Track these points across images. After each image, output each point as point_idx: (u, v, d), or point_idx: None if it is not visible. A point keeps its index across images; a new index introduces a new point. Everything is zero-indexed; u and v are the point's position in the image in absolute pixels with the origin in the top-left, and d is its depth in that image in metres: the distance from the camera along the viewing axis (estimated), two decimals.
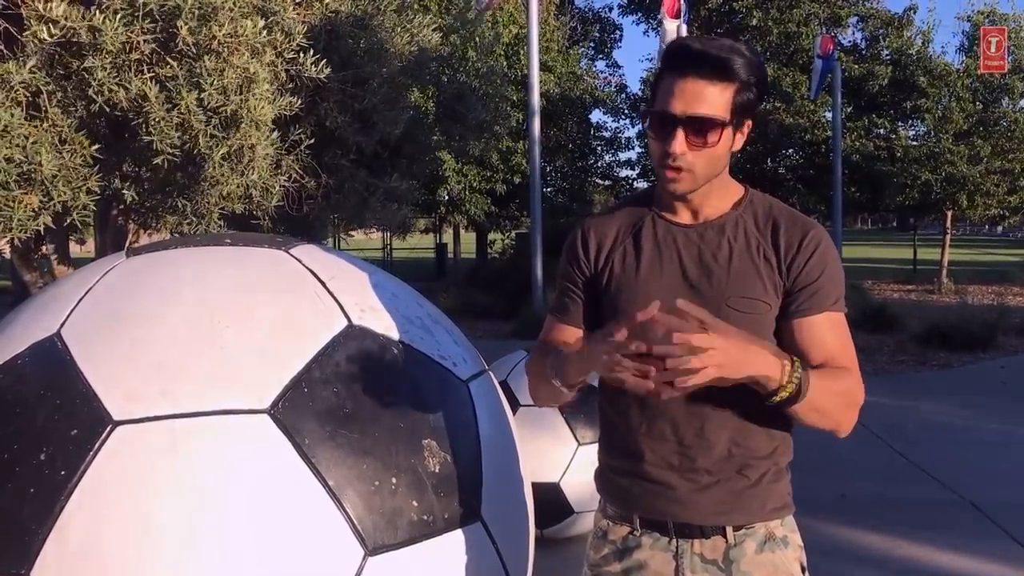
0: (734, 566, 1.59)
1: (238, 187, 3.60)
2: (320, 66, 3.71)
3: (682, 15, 12.10)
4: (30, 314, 1.93)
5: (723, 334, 1.36)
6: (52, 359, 1.74)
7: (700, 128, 1.49)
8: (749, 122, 1.57)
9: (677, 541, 1.62)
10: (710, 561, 1.60)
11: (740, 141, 1.57)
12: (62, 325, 1.80)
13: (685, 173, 1.52)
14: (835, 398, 1.51)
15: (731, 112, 1.50)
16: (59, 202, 3.28)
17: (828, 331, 1.57)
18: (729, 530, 1.60)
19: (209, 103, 3.30)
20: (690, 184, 1.54)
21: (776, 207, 1.63)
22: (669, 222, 1.63)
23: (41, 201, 3.26)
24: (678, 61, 1.51)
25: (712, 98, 1.48)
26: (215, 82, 3.27)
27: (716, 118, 1.49)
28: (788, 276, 1.56)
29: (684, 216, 1.63)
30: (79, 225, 3.58)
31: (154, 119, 3.26)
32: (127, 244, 4.57)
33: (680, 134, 1.49)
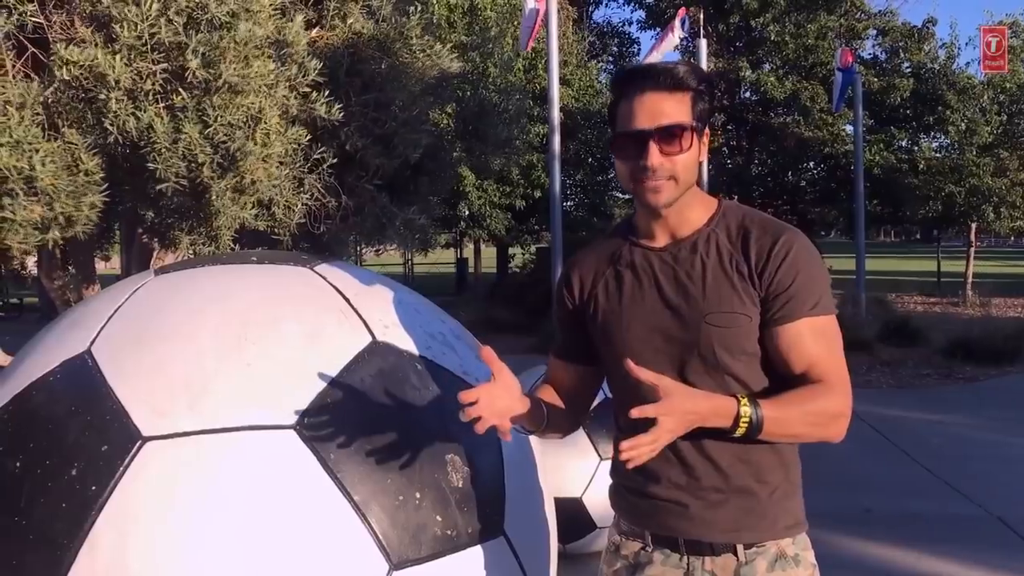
0: None
1: (235, 219, 3.64)
2: (335, 109, 3.77)
3: (678, 28, 12.18)
4: (61, 332, 1.97)
5: (672, 398, 1.43)
6: (83, 376, 1.78)
7: (670, 136, 1.53)
8: (708, 132, 1.63)
9: (688, 558, 1.62)
10: None
11: (704, 151, 1.61)
12: (92, 342, 1.84)
13: (665, 182, 1.55)
14: (803, 420, 1.52)
15: (693, 118, 1.56)
16: (61, 214, 3.33)
17: (808, 338, 1.55)
18: (740, 548, 1.59)
19: (215, 137, 3.35)
20: (672, 192, 1.56)
21: (748, 217, 1.63)
22: (645, 248, 1.65)
23: (43, 214, 3.32)
24: (631, 82, 1.57)
25: (673, 107, 1.54)
26: (219, 118, 3.32)
27: (684, 123, 1.54)
28: (760, 285, 1.56)
29: (660, 239, 1.64)
30: (81, 238, 3.63)
31: (158, 148, 3.32)
32: (152, 263, 4.63)
33: (653, 147, 1.53)
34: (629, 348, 1.61)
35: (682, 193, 1.58)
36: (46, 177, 3.21)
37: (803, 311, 1.55)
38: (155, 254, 4.61)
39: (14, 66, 3.42)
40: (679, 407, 1.43)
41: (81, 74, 3.24)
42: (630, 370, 1.44)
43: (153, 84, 3.33)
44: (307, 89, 3.73)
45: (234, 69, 3.27)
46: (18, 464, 1.70)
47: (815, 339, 1.56)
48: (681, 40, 13.85)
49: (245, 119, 3.36)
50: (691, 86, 1.56)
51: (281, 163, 3.77)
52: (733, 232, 1.61)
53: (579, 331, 1.73)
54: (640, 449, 1.42)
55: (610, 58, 27.47)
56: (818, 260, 1.60)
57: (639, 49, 26.64)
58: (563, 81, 16.50)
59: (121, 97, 3.27)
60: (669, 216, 1.61)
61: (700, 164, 1.62)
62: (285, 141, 3.62)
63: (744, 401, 1.49)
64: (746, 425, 1.48)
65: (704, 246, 1.60)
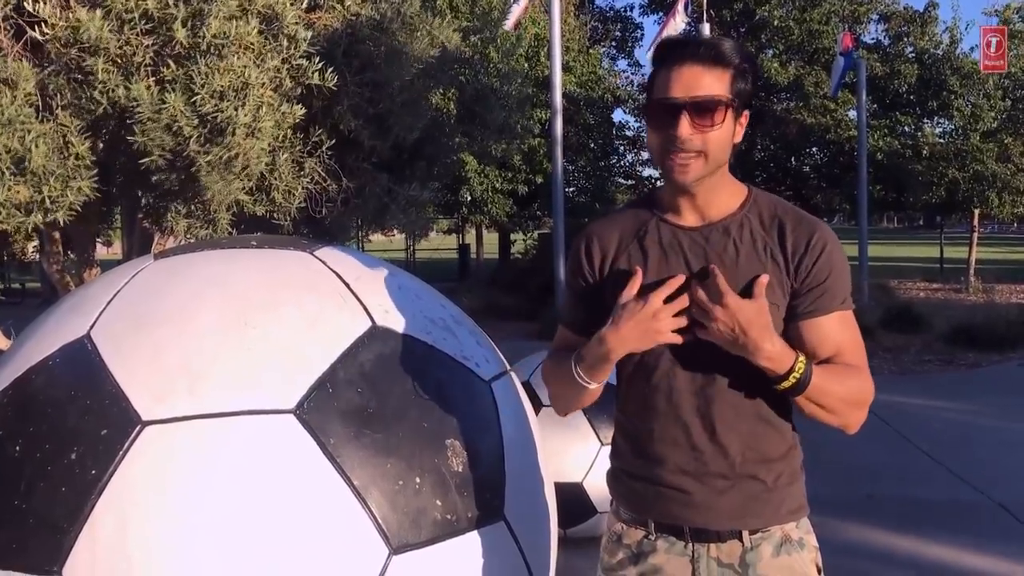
0: (750, 570, 1.59)
1: (227, 196, 3.59)
2: (328, 74, 3.71)
3: (681, 13, 12.14)
4: (60, 316, 1.96)
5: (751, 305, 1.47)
6: (82, 360, 1.78)
7: (703, 110, 1.51)
8: (747, 113, 1.59)
9: (693, 545, 1.61)
10: (726, 565, 1.60)
11: (740, 133, 1.59)
12: (92, 327, 1.83)
13: (693, 157, 1.52)
14: (841, 394, 1.53)
15: (730, 95, 1.53)
16: (48, 197, 3.31)
17: (837, 330, 1.57)
18: (745, 534, 1.59)
19: (202, 107, 3.30)
20: (699, 170, 1.54)
21: (780, 206, 1.63)
22: (674, 225, 1.62)
23: (29, 196, 3.29)
24: (672, 53, 1.55)
25: (711, 82, 1.52)
26: (205, 85, 3.27)
27: (718, 97, 1.51)
28: (796, 277, 1.57)
29: (689, 218, 1.62)
30: (62, 223, 3.61)
31: (141, 118, 3.28)
32: (152, 248, 4.62)
33: (684, 118, 1.50)
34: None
35: (711, 172, 1.55)
36: (38, 158, 3.18)
37: (835, 304, 1.57)
38: (156, 239, 4.60)
39: (13, 47, 3.40)
40: (757, 313, 1.46)
41: (75, 38, 3.21)
42: (713, 275, 1.47)
43: (144, 57, 3.30)
44: (301, 62, 3.68)
45: (216, 27, 3.23)
46: (18, 448, 1.70)
47: (842, 331, 1.58)
48: (685, 25, 13.79)
49: (232, 88, 3.32)
50: (733, 63, 1.53)
51: (280, 146, 3.74)
52: (766, 220, 1.60)
53: (592, 302, 1.68)
54: (724, 293, 1.46)
55: (612, 43, 27.35)
56: (844, 255, 1.62)
57: (642, 34, 26.56)
58: (565, 67, 16.43)
59: (108, 66, 3.25)
60: (698, 195, 1.59)
61: (734, 146, 1.59)
62: (278, 116, 3.58)
63: (802, 356, 1.50)
64: (795, 379, 1.48)
65: (737, 231, 1.59)
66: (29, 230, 3.57)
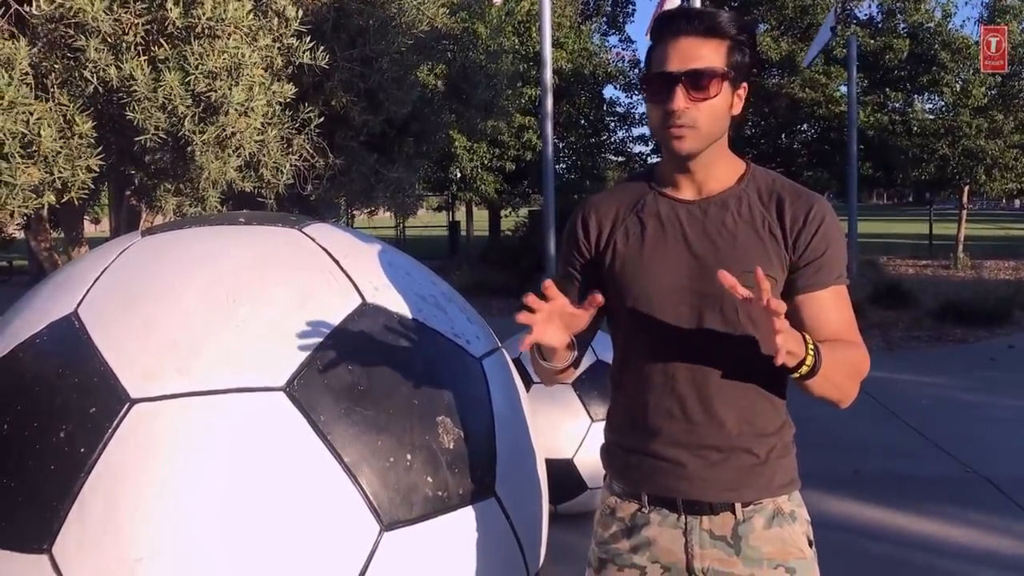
0: (743, 542, 1.60)
1: (223, 173, 3.59)
2: (319, 53, 3.69)
3: None
4: (47, 293, 1.94)
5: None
6: (70, 338, 1.76)
7: (699, 81, 1.51)
8: (746, 85, 1.60)
9: (686, 518, 1.62)
10: (719, 537, 1.61)
11: (739, 105, 1.59)
12: (79, 304, 1.82)
13: (689, 130, 1.53)
14: (844, 370, 1.52)
15: (727, 66, 1.53)
16: (59, 178, 3.30)
17: (833, 305, 1.57)
18: (738, 506, 1.60)
19: (196, 87, 3.29)
20: (695, 142, 1.54)
21: (779, 181, 1.64)
22: (672, 199, 1.63)
23: (42, 177, 3.29)
24: (669, 26, 1.55)
25: (707, 53, 1.52)
26: (199, 66, 3.26)
27: (713, 69, 1.51)
28: (794, 251, 1.57)
29: (687, 192, 1.63)
30: (76, 203, 3.60)
31: (138, 97, 3.27)
32: (140, 225, 4.60)
33: (680, 91, 1.51)
34: (648, 297, 1.59)
35: (708, 144, 1.56)
36: (47, 141, 3.17)
37: (831, 279, 1.57)
38: (143, 216, 4.57)
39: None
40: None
41: (61, 14, 3.18)
42: (732, 282, 1.35)
43: (135, 36, 3.28)
44: (291, 41, 3.66)
45: (211, 9, 3.22)
46: (6, 426, 1.69)
47: (838, 306, 1.58)
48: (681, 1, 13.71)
49: (226, 67, 3.31)
50: (729, 34, 1.54)
51: (268, 123, 3.72)
52: (764, 195, 1.60)
53: (588, 274, 1.69)
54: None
55: (604, 19, 27.19)
56: (841, 229, 1.62)
57: (633, 10, 26.42)
58: (556, 44, 16.34)
59: (100, 46, 3.23)
60: (697, 170, 1.60)
61: (733, 118, 1.60)
62: (269, 95, 3.57)
63: (810, 339, 1.44)
64: (811, 359, 1.41)
65: (735, 204, 1.60)
66: (44, 211, 3.56)
